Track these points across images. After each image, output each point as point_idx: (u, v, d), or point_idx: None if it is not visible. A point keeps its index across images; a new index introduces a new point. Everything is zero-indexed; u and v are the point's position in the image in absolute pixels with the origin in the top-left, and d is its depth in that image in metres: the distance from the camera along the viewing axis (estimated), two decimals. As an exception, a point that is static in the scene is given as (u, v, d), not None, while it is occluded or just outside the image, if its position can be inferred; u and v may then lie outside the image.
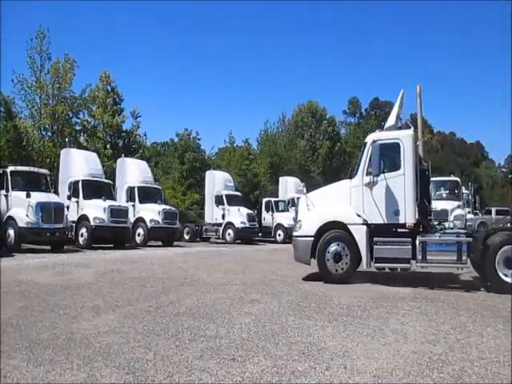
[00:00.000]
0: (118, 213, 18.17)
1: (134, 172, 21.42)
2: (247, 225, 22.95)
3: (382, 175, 8.75)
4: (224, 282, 9.08)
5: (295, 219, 9.86)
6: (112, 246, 18.50)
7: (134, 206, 20.31)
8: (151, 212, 20.22)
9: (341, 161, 51.49)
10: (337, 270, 8.78)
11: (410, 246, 8.41)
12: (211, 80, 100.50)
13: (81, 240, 17.55)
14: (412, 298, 7.44)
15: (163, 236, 20.50)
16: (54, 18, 74.02)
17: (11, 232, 14.96)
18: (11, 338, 4.97)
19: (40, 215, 15.15)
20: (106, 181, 19.84)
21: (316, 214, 9.20)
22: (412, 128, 9.57)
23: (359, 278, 8.95)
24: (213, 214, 24.25)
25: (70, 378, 3.84)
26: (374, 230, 8.72)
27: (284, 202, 26.57)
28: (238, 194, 25.76)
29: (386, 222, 8.69)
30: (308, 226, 9.08)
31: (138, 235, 20.01)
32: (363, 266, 8.82)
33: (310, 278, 9.43)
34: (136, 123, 33.57)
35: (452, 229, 9.94)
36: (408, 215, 8.56)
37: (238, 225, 22.82)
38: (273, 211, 25.23)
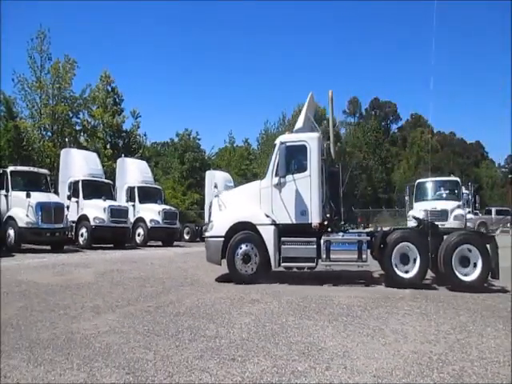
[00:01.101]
0: (117, 213, 18.18)
1: (133, 172, 21.42)
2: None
3: (290, 176, 8.89)
4: (224, 281, 9.08)
5: (209, 220, 9.96)
6: (112, 245, 18.52)
7: (133, 206, 20.32)
8: (151, 212, 20.24)
9: (341, 161, 51.48)
10: (246, 271, 8.81)
11: (315, 246, 8.62)
12: (211, 80, 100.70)
13: (81, 240, 17.56)
14: (412, 298, 7.44)
15: (163, 236, 20.50)
16: (53, 18, 74.10)
17: (11, 232, 14.97)
18: (11, 338, 4.97)
19: (40, 215, 15.16)
20: (106, 181, 19.85)
21: (226, 214, 9.28)
22: (319, 131, 9.76)
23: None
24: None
25: (70, 377, 3.84)
26: (282, 231, 8.83)
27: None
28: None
29: (293, 222, 8.84)
30: (219, 227, 9.13)
31: (138, 235, 20.02)
32: (272, 266, 8.85)
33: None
34: (136, 123, 33.64)
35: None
36: (314, 215, 8.76)
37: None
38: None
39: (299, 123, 9.45)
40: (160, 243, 20.81)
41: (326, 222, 9.13)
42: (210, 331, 5.30)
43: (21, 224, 14.92)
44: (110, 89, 31.85)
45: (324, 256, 8.61)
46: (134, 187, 20.71)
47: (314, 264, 8.76)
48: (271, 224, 8.86)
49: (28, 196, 14.95)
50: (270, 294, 7.73)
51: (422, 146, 56.87)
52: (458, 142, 78.16)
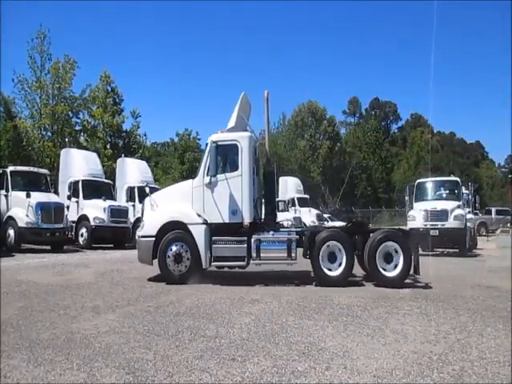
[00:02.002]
0: (118, 213, 18.17)
1: (134, 172, 21.40)
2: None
3: (222, 176, 8.90)
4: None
5: (141, 219, 9.80)
6: (112, 246, 18.51)
7: (133, 206, 20.30)
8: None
9: (341, 161, 51.55)
10: (178, 271, 8.71)
11: (246, 245, 8.64)
12: (211, 80, 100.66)
13: (81, 240, 17.56)
14: (412, 298, 7.43)
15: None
16: (53, 18, 74.06)
17: (11, 232, 14.98)
18: (11, 338, 4.97)
19: (40, 215, 15.15)
20: (106, 181, 19.84)
21: (157, 214, 9.17)
22: (251, 130, 9.75)
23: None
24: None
25: (70, 377, 3.84)
26: (214, 230, 8.79)
27: (284, 201, 26.55)
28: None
29: (225, 221, 8.82)
30: (149, 227, 9.03)
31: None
32: (203, 266, 8.75)
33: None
34: (136, 123, 33.63)
35: (292, 227, 10.26)
36: (245, 215, 8.77)
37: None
38: (273, 211, 25.17)
39: (231, 122, 9.32)
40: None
41: (263, 221, 9.32)
42: (210, 331, 5.30)
43: (21, 224, 14.92)
44: (109, 89, 31.87)
45: (254, 255, 8.64)
46: (133, 187, 20.69)
47: (244, 263, 8.76)
48: (203, 223, 8.78)
49: (28, 196, 14.95)
50: (269, 294, 7.73)
51: (422, 146, 56.88)
52: (458, 142, 78.19)
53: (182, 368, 4.07)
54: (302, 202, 27.76)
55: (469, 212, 17.57)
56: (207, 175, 8.88)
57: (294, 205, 27.31)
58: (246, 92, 9.91)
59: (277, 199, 26.38)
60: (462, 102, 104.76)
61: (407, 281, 8.78)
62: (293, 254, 8.67)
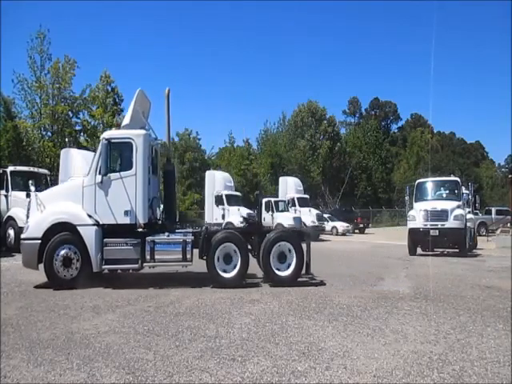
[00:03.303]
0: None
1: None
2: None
3: (115, 174, 8.52)
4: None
5: (27, 220, 9.05)
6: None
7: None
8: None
9: (341, 161, 51.53)
10: (67, 275, 8.20)
11: (140, 247, 8.34)
12: (211, 80, 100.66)
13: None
14: (412, 298, 7.44)
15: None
16: (53, 18, 74.06)
17: (11, 232, 14.97)
18: (11, 338, 4.98)
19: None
20: (237, 193, 20.39)
21: (44, 214, 8.57)
22: (149, 128, 9.38)
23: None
24: (213, 214, 24.18)
25: (70, 378, 3.84)
26: (107, 231, 8.41)
27: (284, 201, 26.55)
28: (238, 194, 25.73)
29: (117, 222, 8.42)
30: (35, 228, 8.39)
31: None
32: (94, 269, 8.29)
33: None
34: (136, 123, 33.53)
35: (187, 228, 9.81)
36: (139, 215, 8.48)
37: (237, 225, 22.78)
38: (273, 211, 25.17)
39: (126, 119, 8.98)
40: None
41: (161, 222, 9.11)
42: (210, 331, 5.30)
43: (21, 224, 14.88)
44: (109, 89, 31.80)
45: (148, 257, 8.34)
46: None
47: (137, 266, 8.38)
48: (93, 225, 8.34)
49: (28, 196, 14.92)
50: (269, 294, 7.74)
51: (422, 146, 56.86)
52: (458, 142, 78.22)
53: (182, 368, 4.07)
54: (302, 202, 27.72)
55: (469, 212, 17.54)
56: (99, 174, 8.43)
57: (293, 205, 27.27)
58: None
59: (277, 199, 26.61)
60: (462, 102, 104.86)
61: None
62: (188, 256, 8.44)
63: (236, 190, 26.32)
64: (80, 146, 25.86)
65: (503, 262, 13.53)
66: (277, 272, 8.61)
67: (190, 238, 8.61)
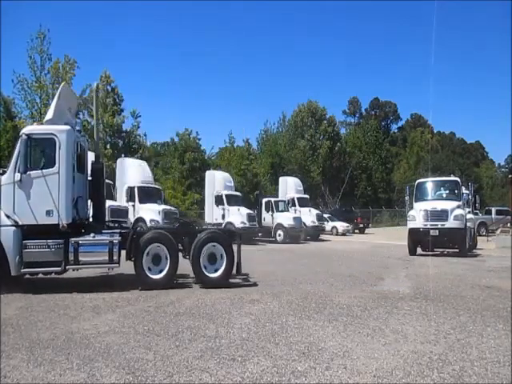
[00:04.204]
0: (117, 213, 18.12)
1: (133, 172, 21.37)
2: (247, 225, 22.89)
3: (37, 172, 8.00)
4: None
5: None
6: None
7: (133, 206, 20.28)
8: (151, 212, 20.17)
9: (341, 161, 51.53)
10: None
11: (63, 248, 7.90)
12: (211, 80, 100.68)
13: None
14: (412, 298, 7.44)
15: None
16: (53, 18, 74.09)
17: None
18: (11, 338, 4.97)
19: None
20: (107, 181, 19.81)
21: None
22: (72, 124, 8.85)
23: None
24: (213, 214, 24.20)
25: (70, 377, 3.84)
26: (27, 232, 7.87)
27: (284, 201, 26.55)
28: (238, 194, 25.72)
29: (39, 222, 7.90)
30: None
31: (138, 235, 19.95)
32: (12, 273, 7.69)
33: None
34: (136, 123, 33.56)
35: (116, 228, 9.46)
36: (62, 215, 7.97)
37: (237, 225, 22.76)
38: (273, 211, 25.19)
39: (49, 114, 8.47)
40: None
41: (88, 222, 8.76)
42: (210, 331, 5.30)
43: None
44: (109, 89, 31.81)
45: (72, 259, 7.90)
46: (133, 187, 20.67)
47: (59, 269, 7.96)
48: (11, 225, 7.80)
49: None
50: (269, 294, 7.74)
51: (422, 146, 56.87)
52: (458, 142, 78.22)
53: (182, 368, 4.07)
54: (302, 202, 27.73)
55: (469, 212, 17.54)
56: (18, 172, 7.89)
57: (294, 205, 27.28)
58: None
59: (277, 199, 26.60)
60: (462, 102, 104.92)
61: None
62: (115, 257, 8.10)
63: (236, 190, 26.31)
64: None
65: (503, 261, 13.53)
66: (206, 273, 8.46)
67: (116, 238, 8.23)
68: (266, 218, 25.34)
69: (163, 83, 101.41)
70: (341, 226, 31.62)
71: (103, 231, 8.62)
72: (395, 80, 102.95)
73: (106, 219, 9.94)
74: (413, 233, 15.65)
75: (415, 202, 16.58)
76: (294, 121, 51.69)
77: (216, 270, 8.54)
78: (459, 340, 5.02)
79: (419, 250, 16.01)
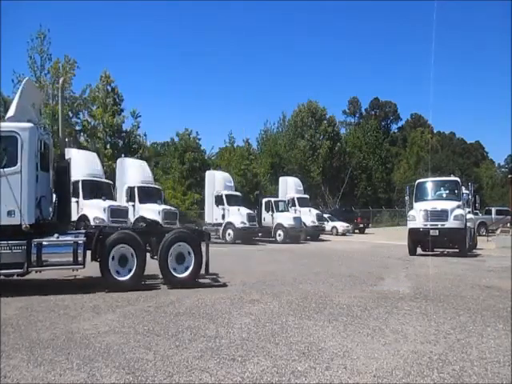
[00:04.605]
0: (117, 213, 18.11)
1: (133, 172, 21.37)
2: (247, 225, 22.90)
3: None
4: (224, 281, 9.07)
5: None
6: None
7: (133, 206, 20.28)
8: (151, 212, 20.15)
9: (341, 161, 51.53)
10: None
11: (25, 250, 7.65)
12: (211, 80, 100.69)
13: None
14: (412, 298, 7.44)
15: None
16: (53, 18, 74.10)
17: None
18: (11, 338, 4.97)
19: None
20: (106, 181, 19.79)
21: None
22: (36, 121, 8.62)
23: None
24: (213, 213, 24.21)
25: (70, 377, 3.84)
26: None
27: (284, 201, 26.56)
28: (238, 194, 25.73)
29: (0, 223, 7.65)
30: None
31: (138, 235, 19.92)
32: None
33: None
34: (136, 123, 33.55)
35: (82, 228, 9.30)
36: (24, 216, 7.72)
37: (237, 225, 22.79)
38: (273, 211, 25.19)
39: (10, 111, 8.27)
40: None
41: (53, 222, 8.49)
42: (210, 331, 5.30)
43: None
44: (109, 89, 31.78)
45: (34, 260, 7.65)
46: (133, 187, 20.68)
47: (22, 270, 7.69)
48: None
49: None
50: (269, 294, 7.74)
51: (422, 146, 56.90)
52: (458, 142, 78.21)
53: (182, 368, 4.06)
54: (302, 202, 27.74)
55: (469, 212, 17.54)
56: None
57: (294, 205, 27.29)
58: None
59: (277, 199, 26.59)
60: (462, 101, 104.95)
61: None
62: (79, 259, 7.84)
63: (236, 190, 26.32)
64: (80, 146, 25.88)
65: (503, 261, 13.53)
66: (174, 273, 8.34)
67: (81, 239, 8.00)
68: (266, 218, 25.35)
69: (163, 83, 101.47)
70: (341, 226, 31.63)
71: (68, 232, 8.41)
72: (395, 80, 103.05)
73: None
74: (413, 233, 15.65)
75: (415, 201, 16.58)
76: (293, 121, 51.69)
77: (184, 270, 8.40)
78: (459, 340, 5.02)
79: (419, 250, 16.02)
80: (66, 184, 8.97)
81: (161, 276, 8.60)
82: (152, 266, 8.47)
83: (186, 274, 8.41)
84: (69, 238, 8.14)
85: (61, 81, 9.49)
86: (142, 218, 11.79)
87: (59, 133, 10.07)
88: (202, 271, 8.69)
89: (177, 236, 8.53)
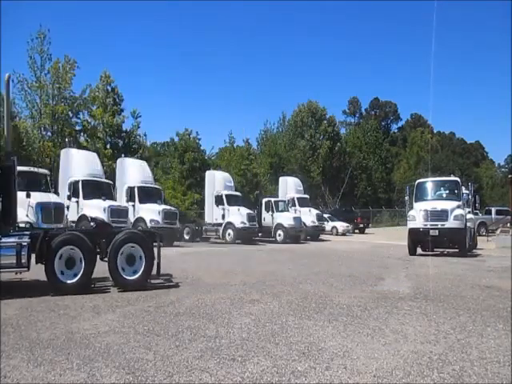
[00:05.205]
0: (117, 213, 18.13)
1: (134, 172, 21.39)
2: (247, 225, 22.92)
3: None
4: (224, 282, 9.08)
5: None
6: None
7: (133, 206, 20.29)
8: (151, 212, 20.20)
9: (341, 161, 51.54)
10: None
11: None
12: (211, 80, 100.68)
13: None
14: (412, 298, 7.44)
15: (163, 236, 20.37)
16: (53, 18, 74.09)
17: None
18: (11, 338, 4.97)
19: (40, 215, 15.10)
20: (106, 181, 19.80)
21: None
22: None
23: None
24: (213, 213, 24.22)
25: (70, 378, 3.84)
26: None
27: (284, 201, 26.57)
28: (238, 194, 25.74)
29: None
30: None
31: (138, 235, 19.91)
32: None
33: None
34: (136, 123, 33.56)
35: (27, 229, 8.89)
36: None
37: (237, 225, 22.80)
38: (273, 211, 25.20)
39: None
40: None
41: None
42: (210, 331, 5.29)
43: (21, 224, 14.88)
44: (109, 89, 31.78)
45: None
46: (133, 187, 20.69)
47: None
48: None
49: (28, 196, 14.90)
50: (269, 294, 7.73)
51: (422, 146, 56.93)
52: (458, 142, 78.23)
53: (182, 368, 4.06)
54: (302, 202, 27.76)
55: (469, 212, 17.55)
56: None
57: (294, 205, 27.31)
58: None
59: (277, 199, 26.57)
60: (461, 102, 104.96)
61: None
62: (23, 261, 7.47)
63: (236, 190, 26.34)
64: (80, 146, 25.89)
65: (503, 261, 13.53)
66: (124, 275, 8.04)
67: (25, 241, 7.60)
68: (266, 218, 25.36)
69: (163, 83, 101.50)
70: (341, 226, 31.64)
71: (11, 233, 8.01)
72: (395, 80, 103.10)
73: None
74: (413, 233, 15.65)
75: (415, 202, 16.58)
76: (293, 121, 51.71)
77: (134, 272, 8.14)
78: (459, 340, 5.02)
79: (419, 250, 16.02)
80: (11, 184, 8.46)
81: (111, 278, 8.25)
82: (104, 267, 8.16)
83: (137, 275, 8.13)
84: (12, 239, 7.67)
85: (6, 76, 9.33)
86: (91, 219, 11.31)
87: (4, 131, 9.81)
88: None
89: (127, 237, 8.23)
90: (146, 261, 8.19)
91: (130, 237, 8.33)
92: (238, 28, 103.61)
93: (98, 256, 8.27)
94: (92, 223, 10.77)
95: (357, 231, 34.00)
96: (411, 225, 15.81)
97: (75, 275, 7.77)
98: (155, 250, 8.38)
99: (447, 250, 16.63)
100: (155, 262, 8.28)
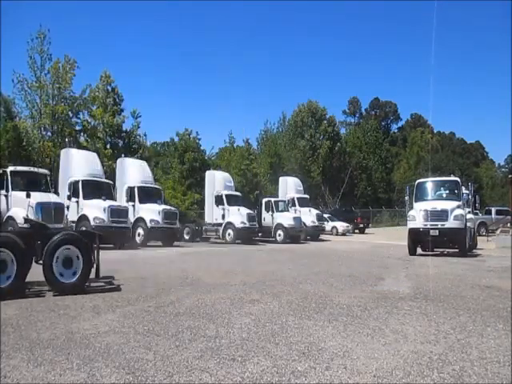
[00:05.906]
0: (117, 213, 18.16)
1: (134, 172, 21.40)
2: (247, 225, 22.93)
3: None
4: (224, 282, 9.08)
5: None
6: (112, 246, 18.50)
7: (133, 206, 20.30)
8: (151, 212, 20.22)
9: (341, 161, 51.57)
10: None
11: None
12: (211, 80, 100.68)
13: (80, 240, 17.48)
14: (412, 298, 7.44)
15: (163, 236, 20.45)
16: (53, 18, 74.08)
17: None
18: (11, 338, 4.97)
19: (40, 215, 15.12)
20: (106, 181, 19.82)
21: None
22: None
23: None
24: (213, 213, 24.24)
25: (70, 378, 3.84)
26: None
27: (284, 201, 26.58)
28: (238, 194, 25.75)
29: None
30: None
31: (138, 235, 19.98)
32: None
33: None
34: (136, 123, 33.57)
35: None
36: None
37: (237, 225, 22.81)
38: (273, 211, 25.20)
39: None
40: (160, 243, 20.78)
41: None
42: (210, 331, 5.29)
43: (21, 224, 14.90)
44: (109, 89, 31.79)
45: None
46: (133, 187, 20.70)
47: None
48: None
49: (28, 196, 14.93)
50: (269, 294, 7.73)
51: (422, 146, 56.95)
52: (458, 142, 78.25)
53: (182, 368, 4.06)
54: (302, 202, 27.78)
55: (469, 212, 17.55)
56: None
57: (294, 205, 27.33)
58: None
59: (277, 199, 26.57)
60: (462, 102, 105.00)
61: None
62: None
63: (236, 190, 26.35)
64: (80, 146, 25.90)
65: (503, 261, 13.53)
66: (61, 279, 7.63)
67: None
68: (266, 218, 25.37)
69: (163, 83, 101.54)
70: (341, 226, 31.67)
71: None
72: (395, 80, 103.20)
73: None
74: (413, 233, 15.65)
75: (415, 202, 16.59)
76: (293, 121, 51.74)
77: (72, 276, 7.73)
78: (459, 340, 5.01)
79: (419, 250, 16.02)
80: None
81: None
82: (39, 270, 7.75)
83: (74, 279, 7.72)
84: None
85: None
86: (25, 220, 10.80)
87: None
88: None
89: (63, 239, 7.80)
90: (83, 263, 7.75)
91: (67, 238, 7.86)
92: (238, 28, 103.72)
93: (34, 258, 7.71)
94: (26, 224, 10.24)
95: (357, 231, 34.03)
96: (411, 225, 15.82)
97: (7, 279, 7.24)
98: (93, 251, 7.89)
99: (447, 249, 16.64)
100: (94, 264, 7.87)
